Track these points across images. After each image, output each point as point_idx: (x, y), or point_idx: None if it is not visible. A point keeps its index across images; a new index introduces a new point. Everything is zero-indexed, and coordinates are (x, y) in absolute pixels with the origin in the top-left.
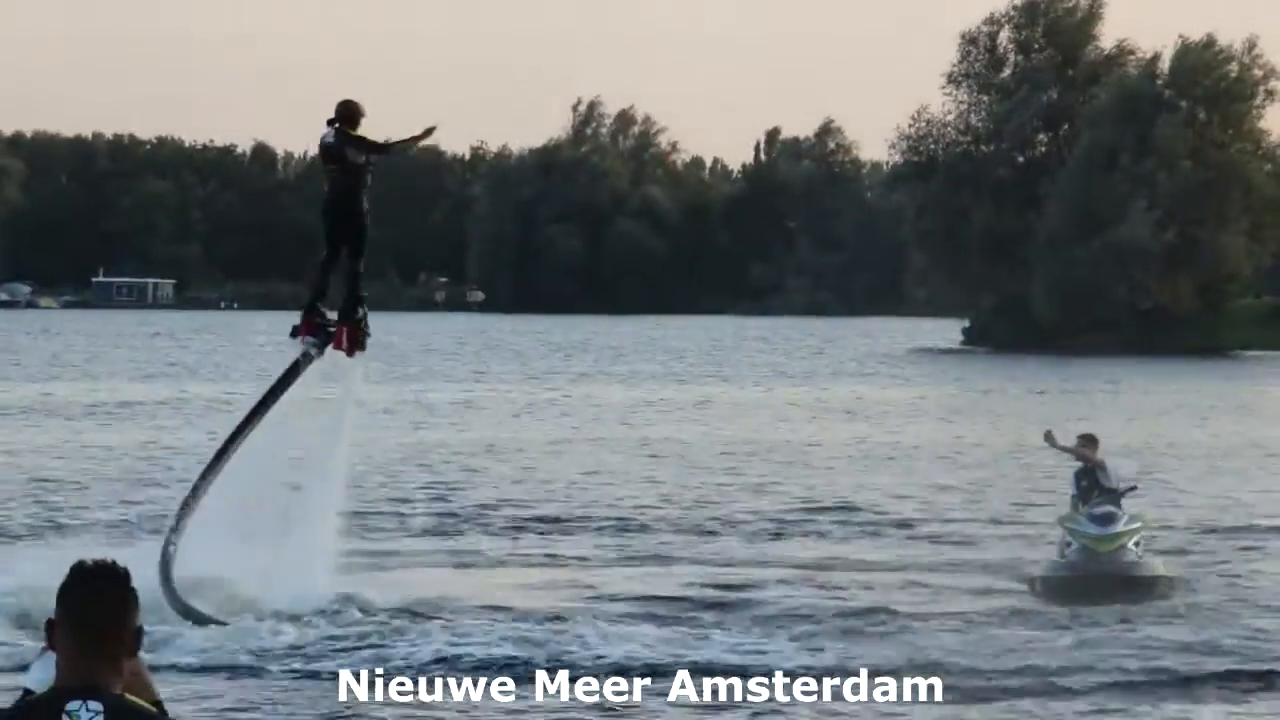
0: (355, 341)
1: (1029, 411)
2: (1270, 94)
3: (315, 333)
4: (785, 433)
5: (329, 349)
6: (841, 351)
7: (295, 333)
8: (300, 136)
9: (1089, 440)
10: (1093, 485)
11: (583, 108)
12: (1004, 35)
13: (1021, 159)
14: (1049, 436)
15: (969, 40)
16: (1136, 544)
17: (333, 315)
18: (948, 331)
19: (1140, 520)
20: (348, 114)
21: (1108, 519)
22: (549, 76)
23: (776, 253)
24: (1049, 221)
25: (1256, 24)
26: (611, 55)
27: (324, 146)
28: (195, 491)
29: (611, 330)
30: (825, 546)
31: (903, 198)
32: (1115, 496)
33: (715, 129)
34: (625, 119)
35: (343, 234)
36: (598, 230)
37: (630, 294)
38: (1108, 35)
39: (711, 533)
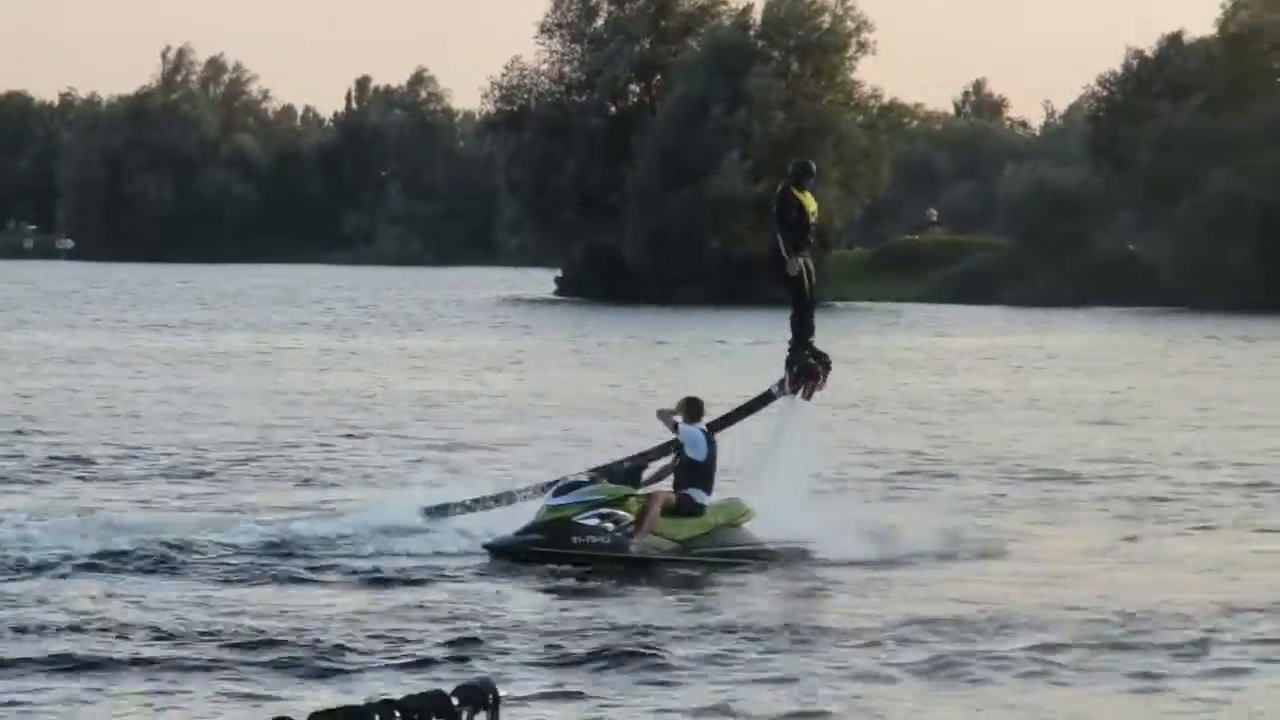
0: (805, 391)
1: (631, 363)
2: (863, 46)
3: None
4: (369, 383)
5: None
6: (435, 301)
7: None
8: None
9: (686, 404)
10: (679, 454)
11: (172, 55)
12: None
13: (614, 109)
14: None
15: None
16: (606, 517)
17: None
18: (541, 282)
19: (610, 493)
20: (796, 172)
21: (565, 489)
22: (139, 23)
23: (368, 202)
24: (640, 172)
25: None
26: (201, 2)
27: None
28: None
29: (194, 278)
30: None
31: (494, 147)
32: (700, 469)
33: (307, 77)
34: (215, 66)
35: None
36: (188, 178)
37: (221, 242)
38: None
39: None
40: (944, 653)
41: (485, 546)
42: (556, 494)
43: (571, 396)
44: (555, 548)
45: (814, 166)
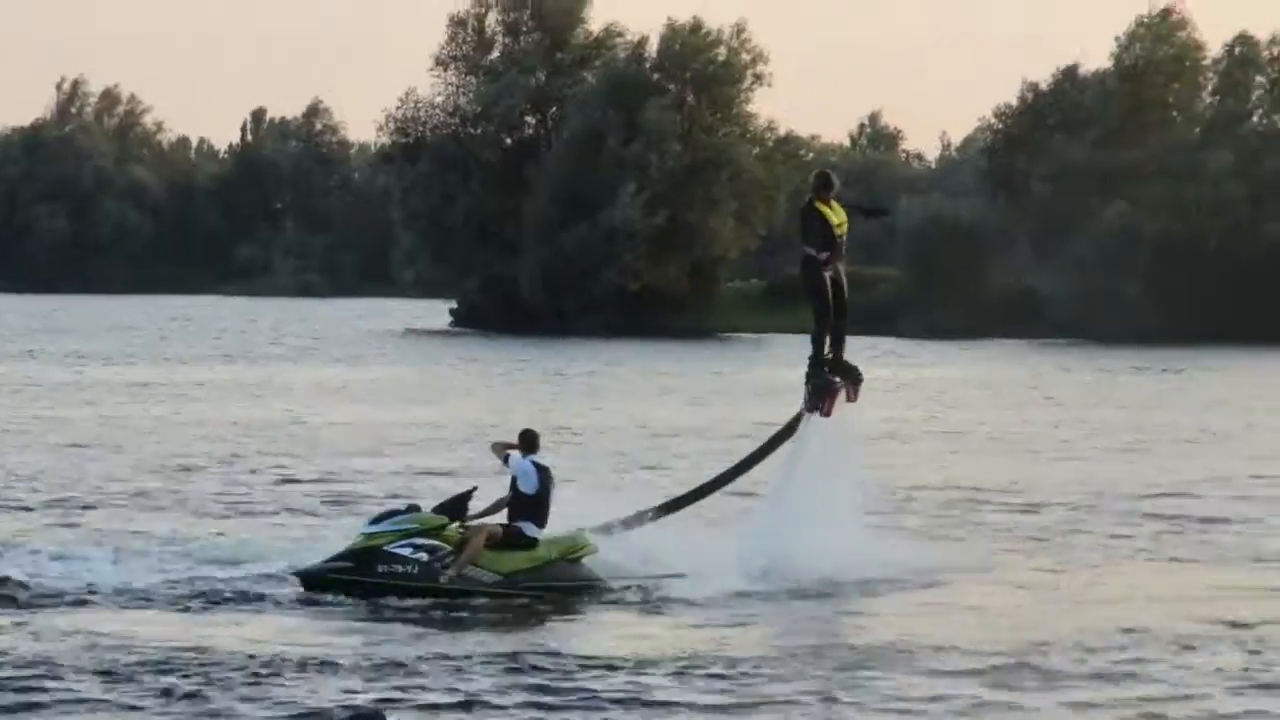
0: (824, 408)
1: (532, 394)
2: (759, 78)
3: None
4: (279, 413)
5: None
6: (331, 333)
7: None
8: None
9: (521, 437)
10: (511, 485)
11: (66, 86)
12: (492, 18)
13: (509, 141)
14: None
15: (457, 22)
16: (420, 548)
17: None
18: (437, 313)
19: (423, 522)
20: (815, 185)
21: (380, 519)
22: (33, 55)
23: (264, 233)
24: (536, 204)
25: (744, 8)
26: (94, 33)
27: None
28: (666, 509)
29: (89, 309)
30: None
31: (390, 179)
32: (532, 502)
33: (201, 109)
34: (110, 98)
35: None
36: (82, 209)
37: (115, 274)
38: (596, 19)
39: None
40: (861, 685)
41: (294, 574)
42: (372, 522)
43: (472, 427)
44: (361, 576)
45: (833, 177)
